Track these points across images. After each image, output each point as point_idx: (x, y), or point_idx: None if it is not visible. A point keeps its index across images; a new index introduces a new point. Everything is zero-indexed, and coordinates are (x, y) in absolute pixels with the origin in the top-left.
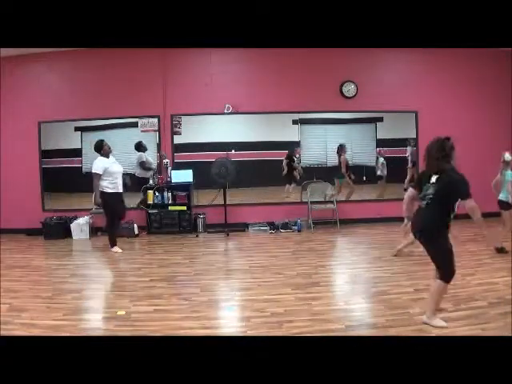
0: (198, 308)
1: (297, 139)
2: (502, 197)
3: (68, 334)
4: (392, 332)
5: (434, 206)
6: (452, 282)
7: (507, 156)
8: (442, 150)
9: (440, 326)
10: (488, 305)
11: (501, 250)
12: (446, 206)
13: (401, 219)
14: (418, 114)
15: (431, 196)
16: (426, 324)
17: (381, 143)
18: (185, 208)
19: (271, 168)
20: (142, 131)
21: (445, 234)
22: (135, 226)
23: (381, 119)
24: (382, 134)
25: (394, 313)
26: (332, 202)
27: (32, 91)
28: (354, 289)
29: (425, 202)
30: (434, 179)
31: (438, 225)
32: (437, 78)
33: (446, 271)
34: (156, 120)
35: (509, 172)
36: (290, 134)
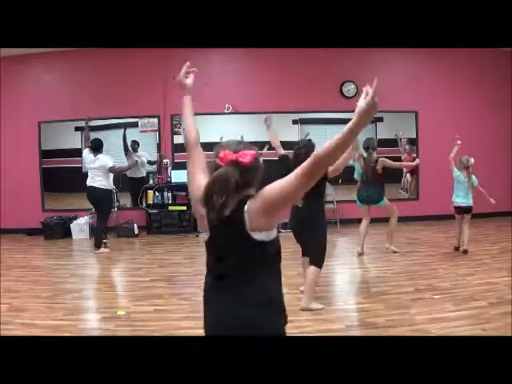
0: (197, 308)
1: (297, 139)
2: (467, 202)
3: (68, 334)
4: (392, 332)
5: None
6: (452, 282)
7: (472, 161)
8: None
9: (318, 308)
10: (488, 305)
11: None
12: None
13: (400, 219)
14: (417, 113)
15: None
16: (306, 310)
17: (381, 143)
18: (185, 208)
19: (271, 168)
20: (141, 131)
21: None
22: (135, 225)
23: (381, 119)
24: (382, 133)
25: (393, 313)
26: (332, 202)
27: (32, 91)
28: (353, 289)
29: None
30: None
31: None
32: (437, 78)
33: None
34: (156, 120)
35: (473, 178)
36: (290, 133)
